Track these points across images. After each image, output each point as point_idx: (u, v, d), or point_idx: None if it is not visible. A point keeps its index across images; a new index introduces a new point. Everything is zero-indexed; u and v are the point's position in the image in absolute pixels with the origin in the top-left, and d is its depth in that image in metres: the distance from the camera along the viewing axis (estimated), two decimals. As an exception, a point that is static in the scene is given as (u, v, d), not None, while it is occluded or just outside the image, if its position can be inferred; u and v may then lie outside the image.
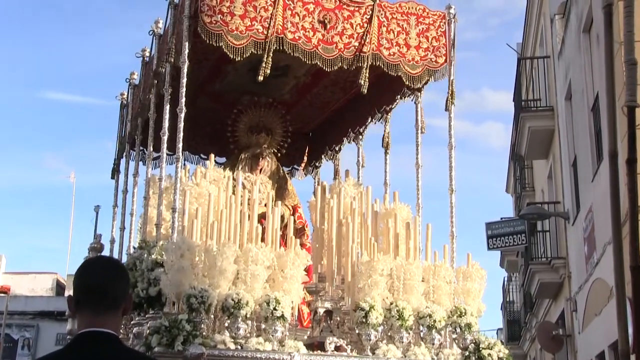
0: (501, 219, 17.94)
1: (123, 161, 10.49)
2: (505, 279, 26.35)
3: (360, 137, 10.26)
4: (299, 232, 9.62)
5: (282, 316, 6.65)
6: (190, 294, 6.47)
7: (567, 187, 14.37)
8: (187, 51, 7.68)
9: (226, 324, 6.63)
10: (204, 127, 10.43)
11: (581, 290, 13.04)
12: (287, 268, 6.88)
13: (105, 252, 9.85)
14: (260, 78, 7.59)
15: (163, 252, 6.94)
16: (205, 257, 6.76)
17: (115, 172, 10.81)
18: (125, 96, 10.88)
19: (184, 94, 7.66)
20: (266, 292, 6.78)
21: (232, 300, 6.55)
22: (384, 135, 9.77)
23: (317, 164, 11.09)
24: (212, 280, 6.64)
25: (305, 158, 11.13)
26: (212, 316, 6.69)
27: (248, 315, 6.63)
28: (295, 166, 11.11)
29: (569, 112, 14.08)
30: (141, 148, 9.94)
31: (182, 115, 7.64)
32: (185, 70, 7.66)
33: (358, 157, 10.39)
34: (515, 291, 24.94)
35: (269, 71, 7.62)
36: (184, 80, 7.66)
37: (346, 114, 10.30)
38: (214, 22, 7.55)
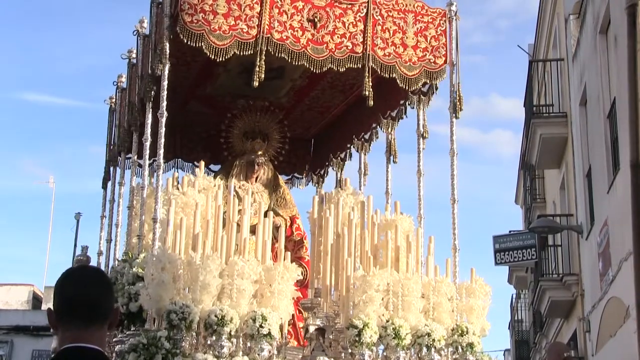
0: (510, 232, 17.94)
1: (111, 169, 10.46)
2: (514, 296, 26.29)
3: (367, 144, 10.17)
4: (298, 245, 9.56)
5: (269, 334, 6.61)
6: (171, 310, 6.43)
7: (580, 199, 14.31)
8: (167, 52, 7.62)
9: (209, 342, 6.58)
10: (198, 133, 10.42)
11: (595, 310, 12.97)
12: (275, 283, 6.82)
13: (92, 265, 9.80)
14: (256, 83, 7.54)
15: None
16: (187, 271, 6.72)
17: (105, 181, 10.77)
18: (114, 100, 10.86)
19: (164, 97, 7.61)
20: (253, 308, 6.74)
21: (216, 316, 6.51)
22: (389, 142, 9.69)
23: (322, 173, 11.03)
24: (195, 295, 6.60)
25: (307, 166, 11.07)
26: (194, 333, 6.63)
27: (232, 333, 6.59)
28: (297, 174, 11.05)
29: (584, 118, 14.04)
30: (129, 155, 9.91)
31: (164, 120, 7.59)
32: (166, 72, 7.61)
33: (360, 165, 10.34)
34: (524, 309, 24.85)
35: (263, 75, 7.56)
36: (165, 83, 7.61)
37: (348, 119, 10.25)
38: (195, 21, 7.49)
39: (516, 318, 25.68)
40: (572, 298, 14.91)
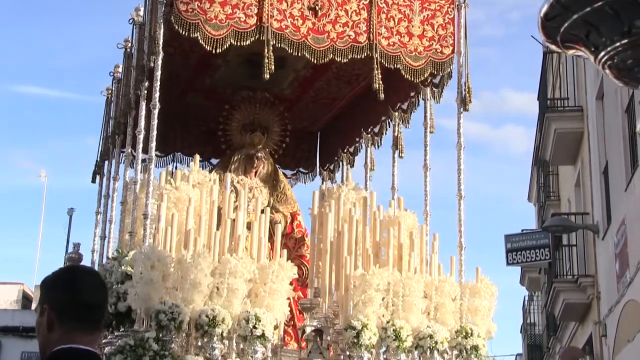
0: (522, 231, 17.89)
1: (106, 163, 10.46)
2: (526, 298, 26.22)
3: (377, 138, 10.09)
4: (299, 242, 9.55)
5: (263, 335, 6.60)
6: (159, 310, 6.42)
7: (596, 197, 14.28)
8: (161, 41, 7.61)
9: (200, 344, 6.58)
10: (198, 126, 10.41)
11: (611, 313, 12.95)
12: (270, 281, 6.80)
13: (85, 263, 9.79)
14: (267, 76, 7.50)
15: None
16: (178, 269, 6.71)
17: (96, 175, 10.78)
18: (111, 91, 10.87)
19: (157, 88, 7.59)
20: (246, 308, 6.72)
21: (207, 316, 6.50)
22: (396, 136, 9.66)
23: (331, 168, 10.99)
24: (185, 294, 6.59)
25: (314, 160, 11.04)
26: (184, 334, 6.63)
27: (225, 334, 6.58)
28: (302, 169, 11.03)
29: (600, 112, 14.02)
30: (124, 149, 9.91)
31: (156, 112, 7.58)
32: (160, 63, 7.59)
33: (366, 159, 10.30)
34: (537, 312, 24.75)
35: (273, 67, 7.53)
36: (158, 74, 7.58)
37: (357, 111, 10.20)
38: (191, 10, 7.48)
39: (528, 321, 25.59)
40: (587, 301, 14.87)
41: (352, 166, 10.66)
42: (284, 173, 10.52)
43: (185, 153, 10.51)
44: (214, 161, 10.34)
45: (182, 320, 6.48)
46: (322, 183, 10.89)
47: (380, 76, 7.91)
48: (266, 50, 7.51)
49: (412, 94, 9.18)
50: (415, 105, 9.34)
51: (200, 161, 9.89)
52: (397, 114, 9.49)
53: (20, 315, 24.35)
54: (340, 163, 10.86)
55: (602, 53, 2.69)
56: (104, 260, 9.49)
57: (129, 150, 9.01)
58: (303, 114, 10.47)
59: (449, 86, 8.64)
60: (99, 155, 10.87)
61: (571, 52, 2.86)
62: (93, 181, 10.82)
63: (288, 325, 8.55)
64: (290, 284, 8.09)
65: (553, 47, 2.83)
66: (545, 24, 2.73)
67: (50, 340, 2.60)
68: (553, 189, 20.03)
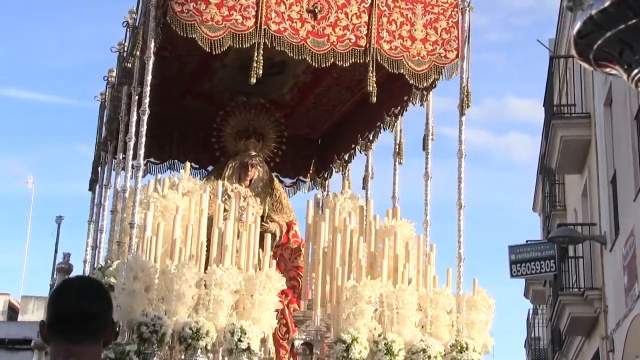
0: (527, 241, 17.86)
1: (99, 170, 10.45)
2: (530, 311, 26.14)
3: (370, 144, 10.10)
4: (295, 253, 9.51)
5: (249, 348, 6.57)
6: (141, 322, 6.40)
7: (604, 207, 14.22)
8: (153, 45, 7.62)
9: (183, 357, 6.56)
10: (197, 132, 10.39)
11: (619, 327, 12.89)
12: (257, 293, 6.77)
13: (76, 274, 9.76)
14: (253, 80, 7.50)
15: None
16: (162, 280, 6.69)
17: (93, 182, 10.76)
18: (105, 96, 10.86)
19: (147, 93, 7.59)
20: (232, 321, 6.70)
21: (190, 329, 6.48)
22: (397, 142, 9.63)
23: (325, 175, 10.98)
24: (169, 306, 6.58)
25: (313, 168, 11.01)
26: (167, 347, 6.61)
27: (209, 347, 6.56)
28: (302, 177, 10.99)
29: (609, 119, 13.98)
30: (116, 156, 9.89)
31: (145, 117, 7.59)
32: (150, 67, 7.59)
33: (367, 167, 10.26)
34: (542, 326, 24.70)
35: (261, 71, 7.52)
36: (148, 78, 7.58)
37: (356, 118, 10.19)
38: (186, 11, 7.47)
39: (533, 335, 25.52)
40: (594, 314, 14.79)
41: (344, 173, 10.62)
42: (283, 181, 10.48)
43: (183, 160, 10.48)
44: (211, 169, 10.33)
45: (165, 332, 6.47)
46: (322, 191, 10.86)
47: (374, 79, 7.89)
48: (256, 53, 7.48)
49: (404, 98, 9.18)
50: (404, 109, 9.35)
51: (197, 168, 9.89)
52: (389, 119, 9.48)
53: (6, 327, 24.11)
54: (334, 170, 10.83)
55: (635, 71, 2.69)
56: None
57: (120, 157, 8.99)
58: (303, 120, 10.46)
59: (452, 93, 8.62)
60: (94, 162, 10.87)
61: (605, 70, 2.86)
62: (90, 189, 10.79)
63: (283, 338, 8.51)
64: (286, 295, 8.03)
65: (586, 65, 2.83)
66: (578, 42, 2.72)
67: (50, 355, 2.59)
68: (559, 199, 19.99)
